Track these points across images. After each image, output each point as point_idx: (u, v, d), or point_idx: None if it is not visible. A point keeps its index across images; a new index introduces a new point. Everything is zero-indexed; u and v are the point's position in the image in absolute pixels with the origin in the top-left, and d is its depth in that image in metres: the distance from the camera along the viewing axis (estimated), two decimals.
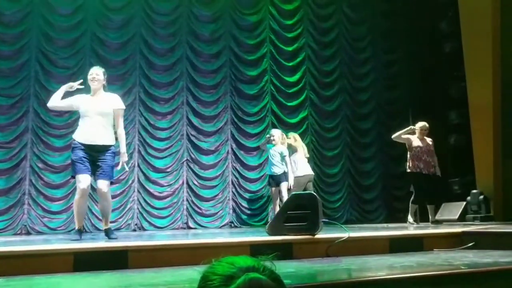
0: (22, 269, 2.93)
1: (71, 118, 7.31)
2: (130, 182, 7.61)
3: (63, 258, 3.06)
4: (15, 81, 7.25)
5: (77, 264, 3.05)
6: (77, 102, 4.53)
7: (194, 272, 3.34)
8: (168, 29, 8.27)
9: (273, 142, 7.20)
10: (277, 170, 7.13)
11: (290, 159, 7.23)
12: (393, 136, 7.06)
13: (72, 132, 7.27)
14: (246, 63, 8.72)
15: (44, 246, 3.28)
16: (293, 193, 4.60)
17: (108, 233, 4.51)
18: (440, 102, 9.12)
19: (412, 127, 7.00)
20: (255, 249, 3.42)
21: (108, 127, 4.49)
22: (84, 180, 4.30)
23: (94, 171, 4.43)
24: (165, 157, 7.94)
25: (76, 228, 4.44)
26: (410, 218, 6.94)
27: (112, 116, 4.54)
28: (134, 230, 7.41)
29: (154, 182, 7.80)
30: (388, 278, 2.47)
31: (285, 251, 3.47)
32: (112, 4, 7.94)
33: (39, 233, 6.88)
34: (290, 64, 9.01)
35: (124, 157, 4.59)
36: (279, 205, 6.71)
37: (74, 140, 4.44)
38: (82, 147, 4.37)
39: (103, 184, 4.38)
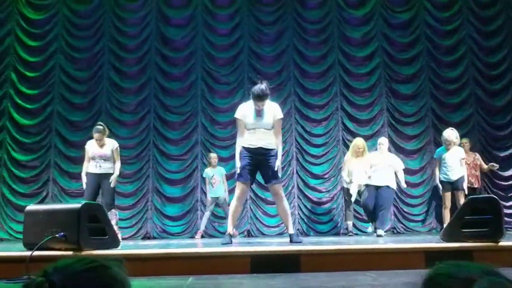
0: (206, 269, 3.20)
1: (234, 130, 7.83)
2: (290, 188, 7.82)
3: (242, 260, 3.26)
4: (185, 100, 8.05)
5: (253, 266, 3.22)
6: (246, 120, 4.64)
7: (366, 278, 3.27)
8: (319, 36, 8.37)
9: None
10: (451, 174, 6.42)
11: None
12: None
13: (235, 143, 7.85)
14: (401, 63, 8.39)
15: (225, 248, 3.55)
16: (470, 197, 4.27)
17: (291, 238, 4.58)
18: None
19: None
20: (430, 256, 3.25)
21: (270, 135, 4.63)
22: (239, 186, 4.57)
23: (263, 174, 4.64)
24: (322, 163, 8.01)
25: (228, 232, 4.55)
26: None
27: (273, 126, 4.66)
28: (297, 235, 7.57)
29: (313, 189, 7.91)
30: None
31: (464, 259, 3.22)
32: (266, 19, 8.35)
33: (211, 236, 7.44)
34: (450, 59, 8.41)
35: (278, 162, 4.65)
36: None
37: (242, 148, 4.65)
38: (248, 154, 4.56)
39: (276, 188, 4.58)
